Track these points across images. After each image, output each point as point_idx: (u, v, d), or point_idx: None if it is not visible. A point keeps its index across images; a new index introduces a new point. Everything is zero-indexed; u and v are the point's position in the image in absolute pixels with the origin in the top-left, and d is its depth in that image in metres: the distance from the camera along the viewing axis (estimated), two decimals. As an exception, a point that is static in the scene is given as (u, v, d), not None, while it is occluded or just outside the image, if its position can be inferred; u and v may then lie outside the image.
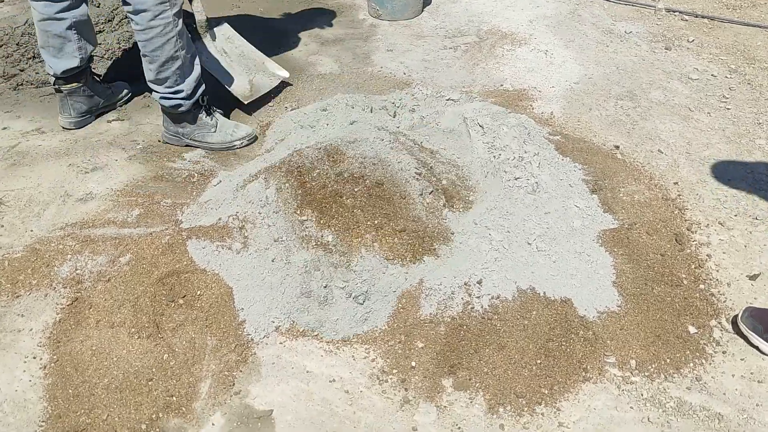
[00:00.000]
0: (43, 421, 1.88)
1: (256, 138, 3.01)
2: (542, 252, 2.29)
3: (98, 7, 3.62)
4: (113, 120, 3.14)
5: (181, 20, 2.70)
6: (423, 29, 3.95)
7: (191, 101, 2.84)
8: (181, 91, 2.80)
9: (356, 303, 2.13)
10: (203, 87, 2.89)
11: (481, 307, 2.17)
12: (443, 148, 2.63)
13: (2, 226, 2.50)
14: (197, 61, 2.85)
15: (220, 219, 2.32)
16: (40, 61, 3.40)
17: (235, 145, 2.94)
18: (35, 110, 3.20)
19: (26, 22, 3.49)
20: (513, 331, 2.10)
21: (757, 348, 2.09)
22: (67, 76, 2.93)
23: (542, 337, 2.08)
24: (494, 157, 2.52)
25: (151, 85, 2.84)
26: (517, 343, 2.07)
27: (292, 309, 2.15)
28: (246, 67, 3.26)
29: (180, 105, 2.83)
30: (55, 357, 2.04)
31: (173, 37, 2.68)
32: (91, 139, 3.00)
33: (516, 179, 2.43)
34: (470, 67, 3.55)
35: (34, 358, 2.05)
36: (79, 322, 2.13)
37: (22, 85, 3.37)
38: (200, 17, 3.08)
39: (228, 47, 3.28)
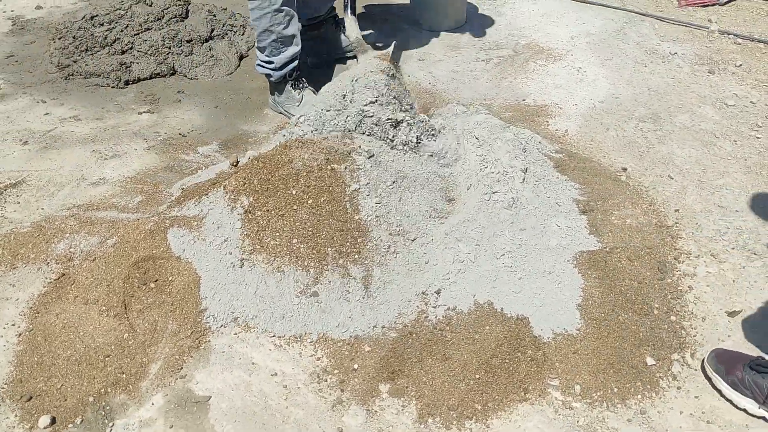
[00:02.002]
0: (5, 384, 2.03)
1: None
2: (508, 268, 2.27)
3: (150, 6, 3.85)
4: (144, 112, 3.33)
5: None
6: (461, 40, 3.94)
7: (278, 74, 3.18)
8: (272, 62, 3.15)
9: (306, 298, 2.19)
10: (294, 65, 3.17)
11: (435, 317, 2.18)
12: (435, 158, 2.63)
13: (18, 203, 2.72)
14: (297, 42, 3.14)
15: (201, 210, 2.43)
16: (91, 54, 3.66)
17: None
18: (78, 99, 3.45)
19: (83, 17, 3.77)
20: (461, 344, 2.10)
21: (719, 392, 1.98)
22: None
23: (488, 353, 2.06)
24: (480, 170, 2.50)
25: (256, 51, 3.23)
26: (462, 356, 2.06)
27: (252, 302, 2.22)
28: None
29: (269, 75, 3.21)
30: (30, 326, 2.20)
31: (269, 12, 3.01)
32: (119, 128, 3.20)
33: (494, 193, 2.41)
34: (497, 81, 3.52)
35: (13, 325, 2.21)
36: (60, 297, 2.28)
37: (72, 75, 3.62)
38: (352, 37, 3.27)
39: None
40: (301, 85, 3.26)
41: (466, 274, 2.25)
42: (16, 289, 2.34)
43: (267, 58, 3.15)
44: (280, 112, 3.31)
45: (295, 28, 3.09)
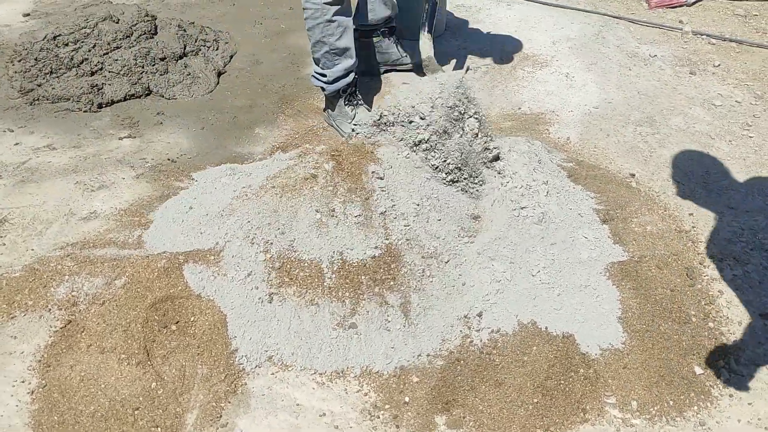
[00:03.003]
0: (26, 449, 1.86)
1: None
2: (546, 284, 2.22)
3: (117, 23, 3.64)
4: (125, 137, 3.13)
5: (334, 9, 2.86)
6: (444, 49, 3.88)
7: (332, 87, 3.04)
8: (325, 75, 3.02)
9: (344, 330, 2.08)
10: (347, 81, 3.04)
11: (480, 341, 2.11)
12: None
13: (4, 244, 2.50)
14: (350, 54, 3.00)
15: (217, 243, 2.29)
16: (57, 77, 3.43)
17: None
18: (49, 126, 3.22)
19: (45, 37, 3.53)
20: (511, 368, 2.03)
21: None
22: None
23: (541, 375, 2.01)
24: (502, 184, 2.45)
25: (312, 62, 3.10)
26: (515, 380, 2.00)
27: (286, 339, 2.10)
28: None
29: (323, 88, 3.08)
30: (43, 382, 2.01)
31: (321, 23, 2.88)
32: (101, 156, 3.00)
33: (522, 209, 2.36)
34: (489, 89, 3.48)
35: (23, 382, 2.02)
36: (71, 346, 2.11)
37: (38, 100, 3.38)
38: (424, 55, 3.10)
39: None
40: (354, 102, 3.12)
41: (505, 294, 2.19)
42: (19, 341, 2.14)
43: (321, 71, 3.03)
44: (332, 125, 3.20)
45: (348, 40, 2.95)
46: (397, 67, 3.61)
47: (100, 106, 3.36)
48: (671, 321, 2.18)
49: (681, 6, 4.22)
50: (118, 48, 3.54)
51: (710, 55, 3.74)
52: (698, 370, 2.06)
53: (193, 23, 3.99)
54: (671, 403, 1.97)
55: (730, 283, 2.35)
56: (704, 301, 2.27)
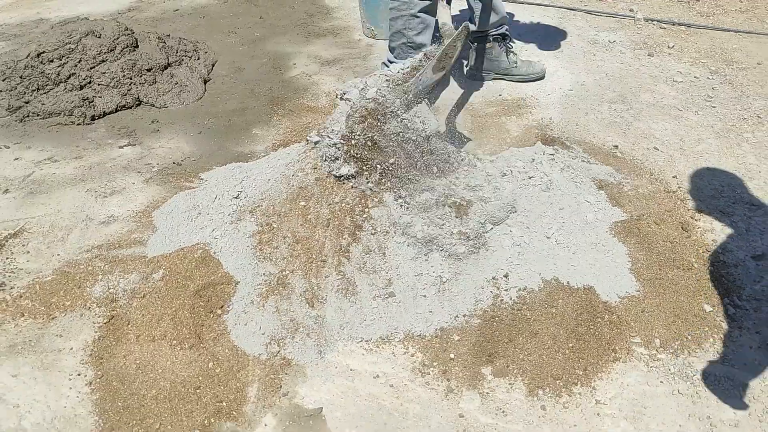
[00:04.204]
0: (97, 435, 1.92)
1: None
2: (561, 245, 2.40)
3: (99, 38, 3.69)
4: (125, 145, 3.19)
5: (421, 5, 2.95)
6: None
7: None
8: (397, 65, 3.04)
9: (383, 300, 2.21)
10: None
11: (510, 298, 2.27)
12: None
13: (28, 252, 2.53)
14: (425, 51, 2.99)
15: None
16: (45, 93, 3.45)
17: None
18: (45, 140, 3.24)
19: (28, 55, 3.55)
20: (543, 319, 2.20)
21: None
22: None
23: (571, 323, 2.18)
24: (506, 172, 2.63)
25: (387, 51, 3.20)
26: (549, 330, 2.17)
27: (327, 311, 2.22)
28: None
29: None
30: (99, 373, 2.07)
31: (406, 15, 2.99)
32: (105, 164, 3.05)
33: (530, 178, 2.55)
34: (468, 80, 3.67)
35: (79, 375, 2.07)
36: (119, 339, 2.17)
37: (28, 116, 3.39)
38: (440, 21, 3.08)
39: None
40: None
41: (526, 256, 2.36)
42: (65, 339, 2.19)
43: (394, 60, 3.09)
44: None
45: (426, 37, 3.03)
46: (507, 78, 3.63)
47: (93, 118, 3.40)
48: (676, 268, 2.40)
49: (629, -4, 4.54)
50: (104, 62, 3.59)
51: (663, 38, 4.04)
52: (707, 307, 2.27)
53: (169, 35, 4.06)
54: (689, 337, 2.17)
55: (721, 232, 2.58)
56: (701, 250, 2.49)
